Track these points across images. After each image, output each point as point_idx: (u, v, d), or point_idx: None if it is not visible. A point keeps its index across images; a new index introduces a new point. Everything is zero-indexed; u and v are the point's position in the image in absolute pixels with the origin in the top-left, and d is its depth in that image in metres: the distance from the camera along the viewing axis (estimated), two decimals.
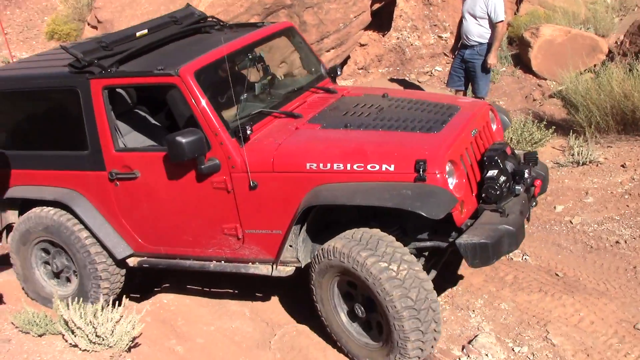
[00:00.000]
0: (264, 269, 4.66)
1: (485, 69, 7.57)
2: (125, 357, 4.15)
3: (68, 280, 5.40)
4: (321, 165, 4.22)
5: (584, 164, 6.91)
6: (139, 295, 5.54)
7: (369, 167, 4.12)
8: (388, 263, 3.95)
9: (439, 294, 4.63)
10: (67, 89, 4.84)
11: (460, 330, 4.70)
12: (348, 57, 10.90)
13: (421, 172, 3.98)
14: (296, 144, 4.43)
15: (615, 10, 11.37)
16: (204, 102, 4.41)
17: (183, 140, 4.23)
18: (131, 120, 5.24)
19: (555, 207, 6.23)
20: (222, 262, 4.84)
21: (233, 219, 4.60)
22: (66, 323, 4.19)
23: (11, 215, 5.51)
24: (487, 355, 4.34)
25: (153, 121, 5.46)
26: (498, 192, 4.25)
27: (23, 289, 5.53)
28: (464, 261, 4.25)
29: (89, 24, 10.79)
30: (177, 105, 4.73)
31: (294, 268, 4.58)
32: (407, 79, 10.38)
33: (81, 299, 4.47)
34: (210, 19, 5.72)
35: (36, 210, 5.19)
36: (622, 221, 5.74)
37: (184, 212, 4.75)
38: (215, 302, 5.29)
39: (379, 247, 4.02)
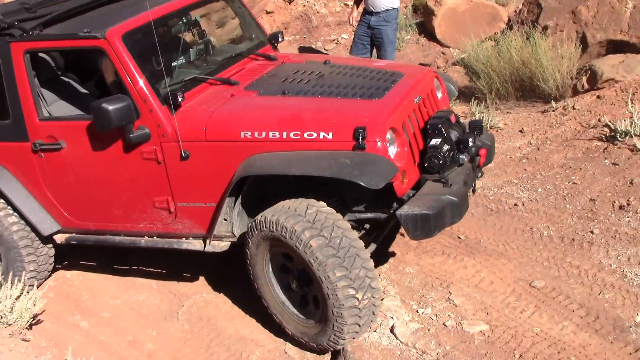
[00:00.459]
0: (197, 244, 4.44)
1: (393, 36, 7.51)
2: (26, 334, 4.02)
3: None
4: (256, 133, 4.00)
5: None
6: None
7: (306, 135, 3.91)
8: (319, 229, 3.75)
9: None
10: None
11: None
12: None
13: (360, 140, 3.78)
14: (230, 111, 4.20)
15: None
16: (132, 66, 4.14)
17: (109, 107, 3.96)
18: (58, 89, 4.93)
19: None
20: (155, 237, 4.61)
21: (164, 192, 4.36)
22: None
23: None
24: (392, 318, 4.29)
25: (82, 89, 5.15)
26: (441, 162, 4.07)
27: None
28: None
29: None
30: (105, 70, 4.48)
31: (229, 243, 4.36)
32: (313, 46, 10.40)
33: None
34: None
35: None
36: (520, 184, 5.91)
37: (112, 184, 4.49)
38: (122, 276, 5.21)
39: (308, 214, 3.82)
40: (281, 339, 4.35)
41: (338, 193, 4.22)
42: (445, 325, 4.19)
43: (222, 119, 4.13)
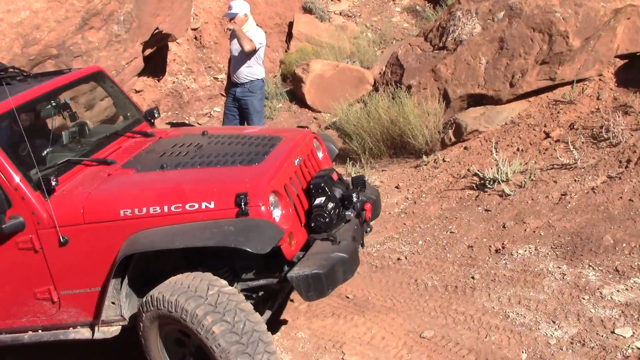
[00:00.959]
0: (86, 333, 4.21)
1: (259, 106, 7.68)
2: None
3: None
4: (136, 210, 3.89)
5: None
6: None
7: (187, 206, 3.84)
8: (222, 314, 3.62)
9: None
10: None
11: None
12: None
13: (243, 206, 3.76)
14: (108, 190, 4.08)
15: (376, 43, 12.41)
16: None
17: None
18: None
19: None
20: (39, 331, 4.32)
21: (45, 281, 4.13)
22: None
23: None
24: None
25: None
26: (327, 220, 4.10)
27: None
28: None
29: None
30: None
31: (120, 327, 4.16)
32: (186, 121, 10.50)
33: None
34: (12, 70, 5.26)
35: None
36: (401, 239, 6.08)
37: None
38: None
39: (210, 296, 3.68)
40: None
41: (228, 263, 4.13)
42: None
43: (100, 199, 4.00)
